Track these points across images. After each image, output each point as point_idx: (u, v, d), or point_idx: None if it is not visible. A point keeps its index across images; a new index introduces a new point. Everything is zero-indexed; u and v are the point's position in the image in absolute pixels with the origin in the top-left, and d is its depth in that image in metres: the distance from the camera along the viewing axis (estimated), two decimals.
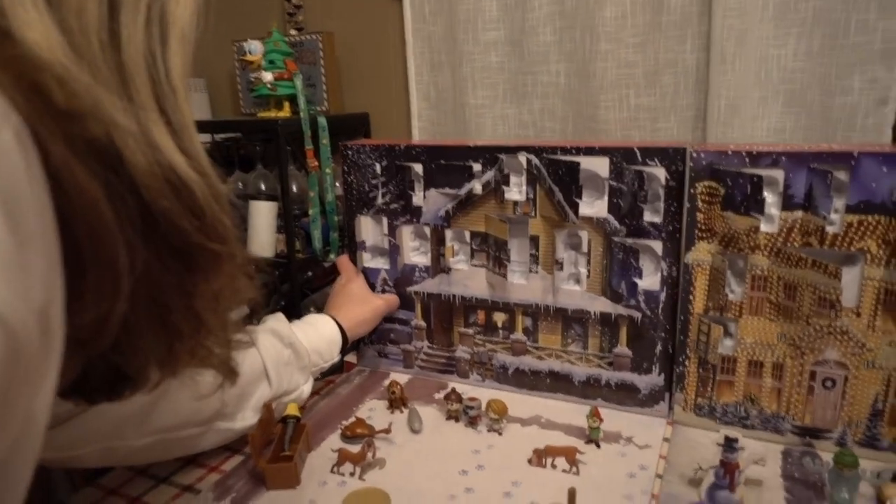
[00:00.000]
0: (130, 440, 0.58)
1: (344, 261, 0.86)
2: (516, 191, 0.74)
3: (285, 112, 1.48)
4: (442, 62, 1.31)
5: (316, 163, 1.51)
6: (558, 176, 0.71)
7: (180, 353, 0.30)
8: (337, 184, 1.49)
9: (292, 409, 0.69)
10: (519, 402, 0.76)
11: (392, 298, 0.83)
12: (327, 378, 0.86)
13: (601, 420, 0.67)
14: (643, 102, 1.10)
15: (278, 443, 0.66)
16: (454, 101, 1.31)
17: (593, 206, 0.70)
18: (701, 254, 0.66)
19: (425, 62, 1.34)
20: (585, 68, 1.13)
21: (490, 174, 0.74)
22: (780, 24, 0.98)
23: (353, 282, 0.84)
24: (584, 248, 0.72)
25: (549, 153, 0.71)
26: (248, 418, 0.66)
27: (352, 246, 0.85)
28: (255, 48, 1.44)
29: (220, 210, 0.28)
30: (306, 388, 0.72)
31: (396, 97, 1.42)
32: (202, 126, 1.62)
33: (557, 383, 0.77)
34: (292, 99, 1.46)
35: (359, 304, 0.81)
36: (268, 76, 1.40)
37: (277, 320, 0.72)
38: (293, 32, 1.57)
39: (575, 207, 0.70)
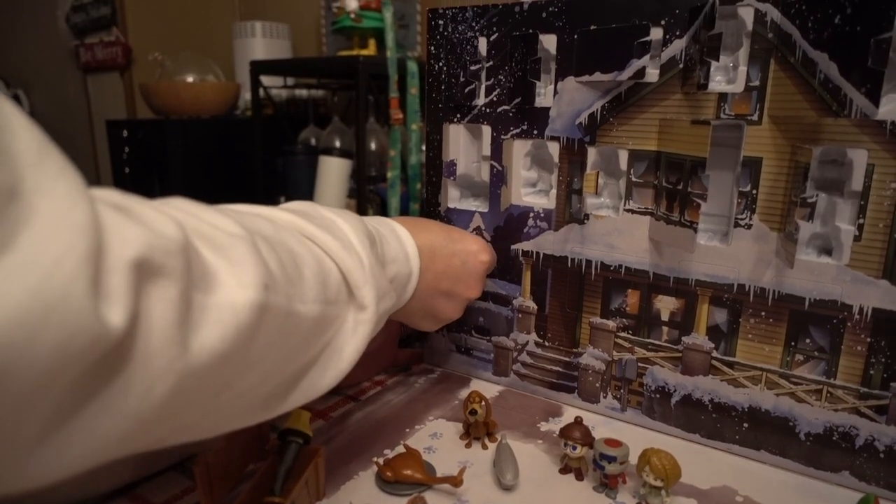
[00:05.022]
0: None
1: None
2: (726, 73, 0.41)
3: (370, 51, 1.23)
4: None
5: (400, 115, 1.25)
6: (825, 36, 0.37)
7: None
8: (424, 147, 1.22)
9: (298, 420, 0.40)
10: (690, 458, 0.43)
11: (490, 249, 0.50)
12: (374, 377, 0.56)
13: None
14: None
15: (262, 477, 0.37)
16: None
17: (890, 100, 0.36)
18: None
19: None
20: None
21: (678, 45, 0.42)
22: None
23: None
24: (856, 185, 0.38)
25: None
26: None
27: (433, 174, 0.55)
28: None
29: None
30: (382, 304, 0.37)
31: None
32: (267, 67, 1.41)
33: (764, 433, 0.43)
34: (379, 36, 1.22)
35: (426, 224, 0.47)
36: (352, 3, 1.16)
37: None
38: None
39: (871, 92, 0.36)
